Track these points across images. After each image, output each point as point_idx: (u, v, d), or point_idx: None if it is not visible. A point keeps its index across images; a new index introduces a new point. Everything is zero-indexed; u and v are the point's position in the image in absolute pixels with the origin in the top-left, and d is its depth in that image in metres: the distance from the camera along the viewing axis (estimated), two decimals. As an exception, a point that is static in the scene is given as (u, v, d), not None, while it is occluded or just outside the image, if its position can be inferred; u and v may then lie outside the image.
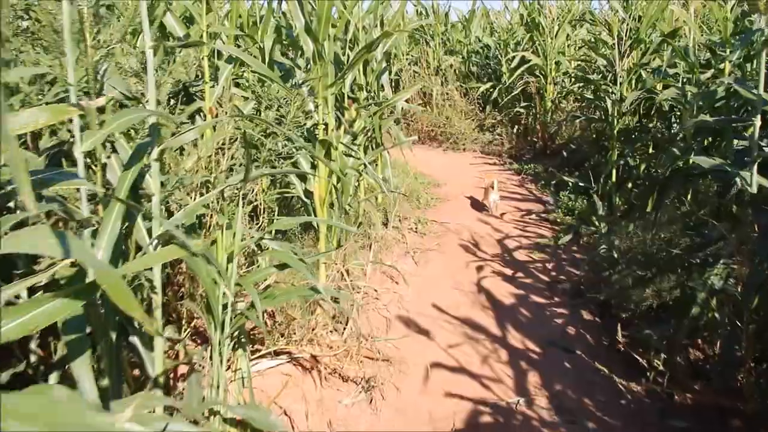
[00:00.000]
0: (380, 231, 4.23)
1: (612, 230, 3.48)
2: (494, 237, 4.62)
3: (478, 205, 5.47)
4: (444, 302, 3.44)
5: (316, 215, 2.86)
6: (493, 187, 5.07)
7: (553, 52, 7.37)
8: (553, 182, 5.80)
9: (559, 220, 4.91)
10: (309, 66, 2.87)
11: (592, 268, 3.55)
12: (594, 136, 6.39)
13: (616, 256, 3.41)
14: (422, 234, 4.64)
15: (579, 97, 7.28)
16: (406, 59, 9.69)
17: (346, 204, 2.98)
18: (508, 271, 3.90)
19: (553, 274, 3.84)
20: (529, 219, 5.09)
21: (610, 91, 5.06)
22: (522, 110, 7.87)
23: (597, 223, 3.47)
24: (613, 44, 5.06)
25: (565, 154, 6.51)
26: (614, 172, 4.95)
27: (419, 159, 7.12)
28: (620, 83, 4.89)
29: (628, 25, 5.03)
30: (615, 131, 4.86)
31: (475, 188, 6.11)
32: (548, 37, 7.38)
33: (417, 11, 9.75)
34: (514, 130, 7.94)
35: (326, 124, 2.83)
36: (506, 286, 3.68)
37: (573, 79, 7.35)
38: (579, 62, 7.28)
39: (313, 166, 2.83)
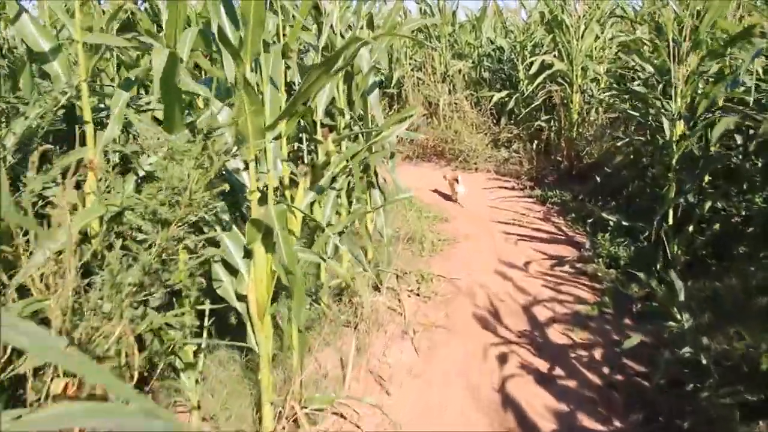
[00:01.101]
0: (368, 301, 3.17)
1: (698, 319, 2.40)
2: (518, 301, 3.55)
3: (447, 198, 5.74)
4: (457, 426, 2.39)
5: (253, 330, 1.81)
6: (457, 181, 5.48)
7: (579, 55, 6.25)
8: (589, 220, 4.69)
9: (600, 274, 3.83)
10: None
11: (667, 377, 2.47)
12: (632, 157, 5.28)
13: (704, 362, 2.34)
14: (426, 298, 3.57)
15: (610, 108, 6.20)
16: (409, 64, 8.63)
17: (300, 322, 1.91)
18: (542, 365, 2.82)
19: (606, 371, 2.76)
20: (561, 272, 3.99)
21: (661, 106, 3.98)
22: (543, 124, 6.76)
23: (679, 315, 2.38)
24: (666, 46, 3.99)
25: (598, 179, 5.40)
26: (671, 212, 3.87)
27: (424, 181, 6.07)
28: (680, 96, 3.80)
29: (685, 23, 3.95)
30: (674, 160, 3.77)
31: (490, 222, 5.08)
32: (573, 38, 6.27)
33: (420, 9, 8.66)
34: (534, 147, 6.81)
35: (266, 189, 1.77)
36: (541, 393, 2.61)
37: (603, 89, 6.24)
38: (614, 68, 6.17)
39: (249, 254, 1.79)
